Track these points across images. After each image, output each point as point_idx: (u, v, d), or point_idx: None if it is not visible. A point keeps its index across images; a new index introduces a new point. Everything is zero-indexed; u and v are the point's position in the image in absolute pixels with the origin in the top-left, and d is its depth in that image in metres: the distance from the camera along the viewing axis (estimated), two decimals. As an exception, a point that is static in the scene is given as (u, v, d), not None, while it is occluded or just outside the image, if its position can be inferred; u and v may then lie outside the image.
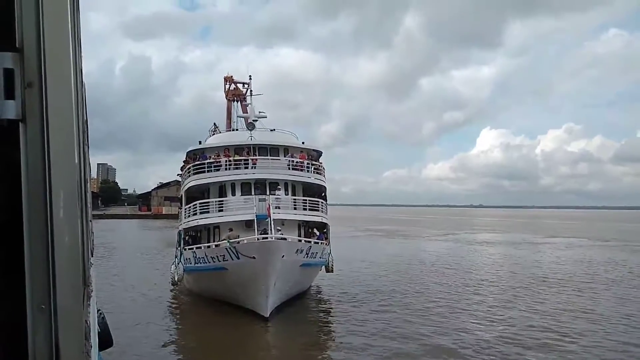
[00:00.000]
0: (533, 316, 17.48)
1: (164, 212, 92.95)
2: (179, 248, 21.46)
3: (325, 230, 22.16)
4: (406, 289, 22.70)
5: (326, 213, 22.32)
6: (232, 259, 16.59)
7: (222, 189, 21.54)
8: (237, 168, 21.20)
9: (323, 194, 22.98)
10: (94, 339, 2.65)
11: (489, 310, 18.56)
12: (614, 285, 24.93)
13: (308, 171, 22.23)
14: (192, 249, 19.78)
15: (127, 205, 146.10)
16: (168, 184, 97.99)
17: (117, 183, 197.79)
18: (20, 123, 1.32)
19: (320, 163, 23.50)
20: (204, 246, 19.80)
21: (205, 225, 21.09)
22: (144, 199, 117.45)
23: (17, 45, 1.32)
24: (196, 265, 18.89)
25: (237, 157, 21.60)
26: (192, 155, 23.25)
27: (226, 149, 22.48)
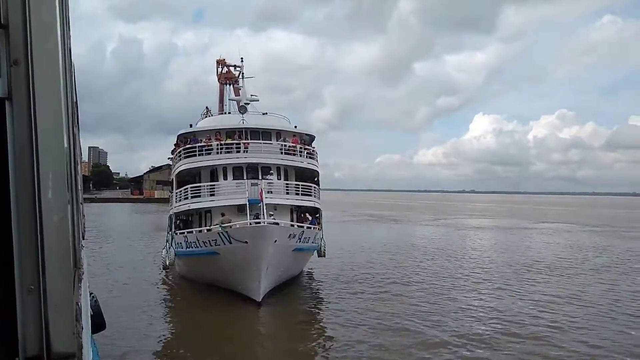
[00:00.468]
0: (523, 303, 17.72)
1: (156, 196, 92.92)
2: (170, 232, 21.44)
3: (317, 215, 22.22)
4: (397, 274, 22.92)
5: (319, 198, 22.36)
6: (224, 244, 16.60)
7: (213, 173, 21.45)
8: (228, 152, 21.08)
9: (316, 179, 22.98)
10: (86, 321, 2.66)
11: (478, 297, 18.83)
12: (603, 270, 25.30)
13: (301, 155, 22.19)
14: (184, 233, 19.76)
15: (119, 189, 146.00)
16: (160, 167, 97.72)
17: (108, 167, 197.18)
18: (6, 101, 1.31)
19: (313, 147, 23.44)
20: (196, 230, 19.78)
21: (196, 209, 21.04)
22: (136, 182, 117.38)
23: (2, 22, 1.29)
24: (187, 249, 18.90)
25: (228, 141, 21.49)
26: (182, 139, 23.05)
27: (217, 133, 22.33)
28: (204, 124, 24.89)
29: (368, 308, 16.57)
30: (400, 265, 25.83)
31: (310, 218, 22.10)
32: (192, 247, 18.56)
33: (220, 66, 31.30)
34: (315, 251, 21.47)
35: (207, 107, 26.56)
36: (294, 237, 18.00)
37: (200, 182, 21.29)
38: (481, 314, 16.08)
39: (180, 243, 19.46)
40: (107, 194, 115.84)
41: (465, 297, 18.56)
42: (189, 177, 22.14)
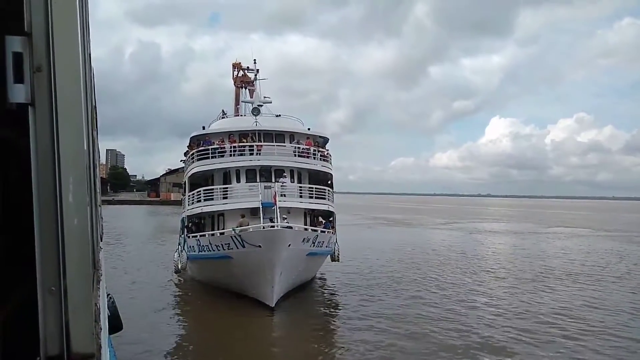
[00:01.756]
0: (539, 310, 17.51)
1: (172, 198, 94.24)
2: (182, 235, 21.60)
3: (331, 219, 22.23)
4: (412, 280, 22.82)
5: (332, 201, 22.36)
6: (237, 248, 16.66)
7: (226, 176, 21.60)
8: (241, 154, 21.21)
9: (329, 182, 22.99)
10: (104, 322, 2.72)
11: (495, 304, 18.65)
12: (623, 277, 24.91)
13: (314, 158, 22.23)
14: (196, 236, 19.89)
15: (136, 191, 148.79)
16: (176, 170, 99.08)
17: (125, 169, 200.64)
18: (29, 107, 1.36)
19: (327, 150, 23.47)
20: (209, 234, 19.92)
21: (209, 212, 21.19)
22: (153, 185, 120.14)
23: (25, 30, 1.35)
24: (200, 253, 19.03)
25: (241, 143, 21.62)
26: (195, 141, 23.24)
27: (231, 135, 22.49)
28: (217, 126, 25.02)
29: (382, 313, 16.52)
30: (415, 270, 25.79)
31: (323, 222, 22.11)
32: (204, 251, 18.68)
33: (236, 69, 31.67)
34: (329, 255, 21.47)
35: (223, 110, 26.80)
36: (308, 241, 18.01)
37: (213, 185, 21.45)
38: (498, 320, 15.91)
39: (193, 246, 19.61)
40: (124, 196, 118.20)
41: (484, 303, 18.40)
42: (201, 180, 22.33)
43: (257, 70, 26.48)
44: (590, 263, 29.73)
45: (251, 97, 26.75)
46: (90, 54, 2.45)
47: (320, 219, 22.61)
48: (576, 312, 17.19)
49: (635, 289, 21.86)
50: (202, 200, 20.69)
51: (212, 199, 20.69)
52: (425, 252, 33.31)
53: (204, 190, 20.85)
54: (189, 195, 21.80)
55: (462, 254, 32.99)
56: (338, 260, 22.06)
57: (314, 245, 18.40)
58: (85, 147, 1.47)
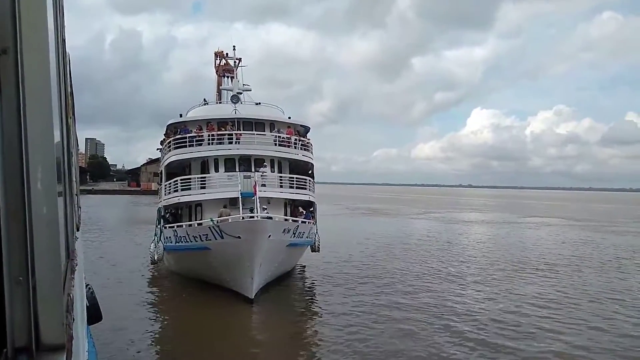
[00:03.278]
0: (513, 302, 17.90)
1: (153, 188, 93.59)
2: (158, 226, 21.40)
3: (312, 209, 22.27)
4: (392, 269, 23.13)
5: (313, 191, 22.39)
6: (216, 239, 16.59)
7: (204, 165, 21.42)
8: (220, 143, 21.03)
9: (310, 172, 22.98)
10: (80, 313, 2.69)
11: (470, 294, 19.03)
12: (582, 265, 25.94)
13: (295, 147, 22.18)
14: (173, 227, 19.73)
15: (116, 180, 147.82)
16: (157, 159, 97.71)
17: (106, 158, 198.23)
18: (-6, 91, 1.33)
19: (308, 139, 23.43)
20: (186, 224, 19.79)
21: (186, 202, 21.01)
22: (133, 174, 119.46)
23: (-11, 9, 1.31)
24: (177, 244, 18.90)
25: (220, 131, 21.42)
26: (172, 129, 22.94)
27: (209, 123, 22.25)
28: (195, 113, 24.64)
29: (362, 304, 16.69)
30: (395, 259, 26.30)
31: (304, 212, 22.13)
32: (181, 242, 18.56)
33: (218, 58, 31.32)
34: (309, 246, 21.55)
35: (204, 99, 26.47)
36: (289, 232, 18.03)
37: (190, 174, 21.26)
38: (478, 311, 16.24)
39: (170, 237, 19.45)
40: (104, 185, 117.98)
41: (463, 293, 18.75)
42: (178, 169, 22.09)
43: (239, 59, 26.18)
44: (555, 251, 31.47)
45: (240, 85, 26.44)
46: (64, 39, 2.40)
47: (301, 209, 22.62)
48: (541, 300, 17.72)
49: (593, 275, 22.69)
50: (179, 190, 20.50)
51: (190, 189, 20.52)
52: (404, 242, 34.04)
53: (181, 179, 20.64)
54: (165, 185, 21.58)
55: (439, 243, 34.00)
56: (318, 251, 22.17)
57: (294, 236, 18.44)
58: (57, 135, 1.45)
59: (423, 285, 20.09)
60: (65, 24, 2.51)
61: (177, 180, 20.64)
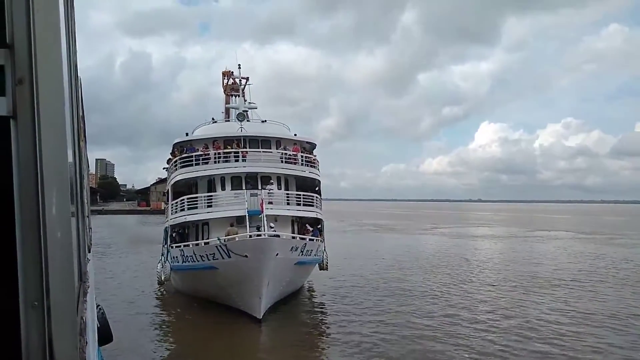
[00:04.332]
0: (527, 319, 17.69)
1: (162, 208, 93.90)
2: (165, 245, 21.42)
3: (319, 226, 22.22)
4: (401, 288, 22.93)
5: (320, 208, 22.37)
6: (223, 258, 16.55)
7: (211, 183, 21.50)
8: (226, 161, 21.13)
9: (317, 188, 23.01)
10: (92, 335, 2.72)
11: (481, 311, 18.84)
12: (586, 279, 25.84)
13: (302, 164, 22.24)
14: (180, 246, 19.74)
15: (126, 200, 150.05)
16: (166, 179, 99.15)
17: (115, 178, 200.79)
18: (11, 120, 1.39)
19: (315, 156, 23.50)
20: (193, 244, 19.79)
21: (193, 221, 21.06)
22: (143, 194, 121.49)
23: (7, 42, 1.38)
24: (184, 264, 18.89)
25: (226, 150, 21.54)
26: (179, 148, 23.09)
27: (215, 141, 22.40)
28: (201, 132, 24.84)
29: (372, 323, 16.55)
30: (404, 277, 26.10)
31: (311, 229, 22.09)
32: (188, 261, 18.54)
33: (226, 77, 31.74)
34: (317, 264, 21.45)
35: (213, 118, 26.83)
36: (296, 249, 17.98)
37: (197, 193, 21.33)
38: (492, 328, 16.05)
39: (176, 257, 19.46)
40: (114, 206, 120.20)
41: (475, 311, 18.54)
42: (185, 188, 22.18)
43: (247, 78, 26.58)
44: (564, 265, 31.43)
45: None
46: (76, 64, 2.47)
47: (308, 226, 22.59)
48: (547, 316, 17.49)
49: (610, 290, 22.33)
50: (186, 209, 20.56)
51: (196, 207, 20.57)
52: (414, 259, 33.76)
53: (187, 198, 20.71)
54: (172, 204, 21.65)
55: (452, 261, 33.56)
56: (326, 269, 22.04)
57: (302, 254, 18.37)
58: (69, 159, 1.50)
59: (433, 304, 19.87)
60: (77, 49, 2.59)
61: (183, 199, 20.71)
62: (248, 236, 17.01)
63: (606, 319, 17.35)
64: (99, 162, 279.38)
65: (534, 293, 22.08)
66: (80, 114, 3.17)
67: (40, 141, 1.39)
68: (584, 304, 19.84)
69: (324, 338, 15.59)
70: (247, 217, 18.61)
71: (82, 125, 3.31)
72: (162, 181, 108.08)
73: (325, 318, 17.96)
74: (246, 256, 15.85)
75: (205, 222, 20.91)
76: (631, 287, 23.88)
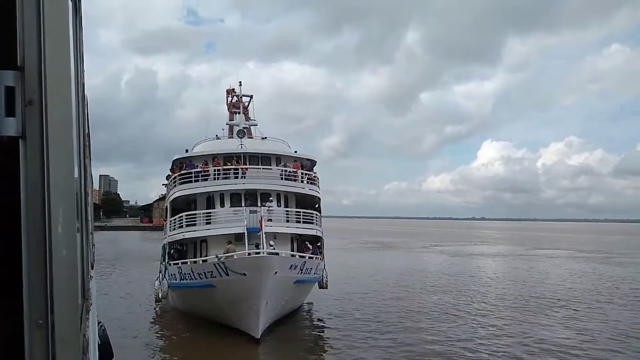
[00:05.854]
0: (530, 343, 17.58)
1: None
2: (163, 263, 21.34)
3: (319, 244, 22.16)
4: (402, 307, 22.80)
5: (320, 226, 22.33)
6: (221, 276, 16.46)
7: (210, 200, 21.51)
8: (226, 178, 21.17)
9: (317, 205, 23.00)
10: (94, 352, 2.72)
11: (485, 332, 18.71)
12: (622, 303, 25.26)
13: (302, 181, 22.28)
14: (178, 264, 19.68)
15: (129, 216, 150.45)
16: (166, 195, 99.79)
17: (119, 195, 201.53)
18: (20, 140, 1.43)
19: (315, 173, 23.55)
20: (191, 261, 19.72)
21: (191, 238, 21.03)
22: (146, 210, 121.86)
23: (18, 64, 1.42)
24: (182, 281, 18.80)
25: (226, 166, 21.60)
26: (178, 164, 23.17)
27: (215, 158, 22.47)
28: (201, 148, 24.94)
29: (372, 342, 16.44)
30: (405, 296, 26.02)
31: (311, 247, 22.02)
32: (186, 279, 18.46)
33: (229, 95, 32.06)
34: (317, 283, 21.34)
35: (217, 136, 27.04)
36: (295, 268, 17.91)
37: (195, 210, 21.33)
38: (495, 348, 15.93)
39: (174, 274, 19.37)
40: (117, 222, 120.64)
41: (476, 332, 18.41)
42: (184, 205, 22.19)
43: (251, 96, 26.90)
44: (569, 285, 31.32)
45: (246, 119, 26.91)
46: (83, 83, 2.52)
47: (308, 244, 22.52)
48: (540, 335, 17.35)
49: (580, 309, 22.29)
50: (185, 226, 20.54)
51: (195, 224, 20.55)
52: (416, 278, 33.65)
53: (186, 215, 20.71)
54: (170, 221, 21.64)
55: (454, 280, 33.46)
56: (326, 288, 21.92)
57: (301, 272, 18.30)
58: (75, 178, 1.53)
59: (434, 324, 19.73)
60: (84, 68, 2.64)
61: (182, 216, 20.70)
62: (247, 254, 16.96)
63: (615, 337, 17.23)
64: (103, 178, 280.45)
65: (543, 314, 21.91)
66: (86, 131, 3.22)
67: (48, 161, 1.43)
68: (595, 325, 19.70)
69: (323, 358, 15.44)
70: (246, 234, 18.57)
71: (87, 142, 3.36)
72: (164, 197, 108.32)
73: (323, 338, 17.81)
74: (244, 274, 15.77)
75: (204, 239, 20.87)
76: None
